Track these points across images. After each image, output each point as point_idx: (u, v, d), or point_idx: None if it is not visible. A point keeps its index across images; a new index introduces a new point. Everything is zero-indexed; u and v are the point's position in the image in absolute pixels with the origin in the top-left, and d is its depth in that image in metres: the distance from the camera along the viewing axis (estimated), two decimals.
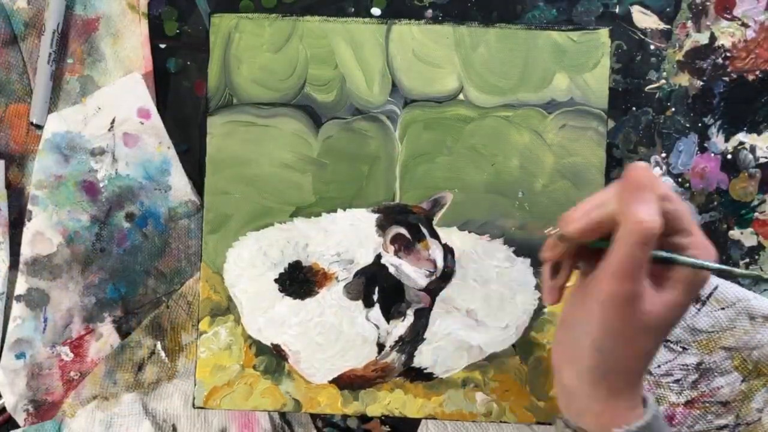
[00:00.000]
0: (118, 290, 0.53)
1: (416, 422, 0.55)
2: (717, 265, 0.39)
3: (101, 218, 0.53)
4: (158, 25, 0.55)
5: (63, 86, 0.54)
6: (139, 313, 0.55)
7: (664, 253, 0.40)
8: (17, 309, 0.54)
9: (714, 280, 0.54)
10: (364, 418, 0.55)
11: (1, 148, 0.54)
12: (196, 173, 0.55)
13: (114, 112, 0.54)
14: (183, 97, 0.55)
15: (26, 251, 0.54)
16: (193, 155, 0.55)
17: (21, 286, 0.54)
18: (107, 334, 0.54)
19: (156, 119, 0.54)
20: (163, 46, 0.55)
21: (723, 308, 0.54)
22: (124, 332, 0.54)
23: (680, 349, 0.54)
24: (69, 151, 0.54)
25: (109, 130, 0.54)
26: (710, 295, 0.54)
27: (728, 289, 0.54)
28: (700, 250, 0.40)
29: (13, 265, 0.54)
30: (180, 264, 0.54)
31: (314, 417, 0.55)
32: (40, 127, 0.54)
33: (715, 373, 0.54)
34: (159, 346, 0.54)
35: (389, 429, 0.56)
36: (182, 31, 0.55)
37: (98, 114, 0.54)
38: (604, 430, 0.41)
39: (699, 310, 0.54)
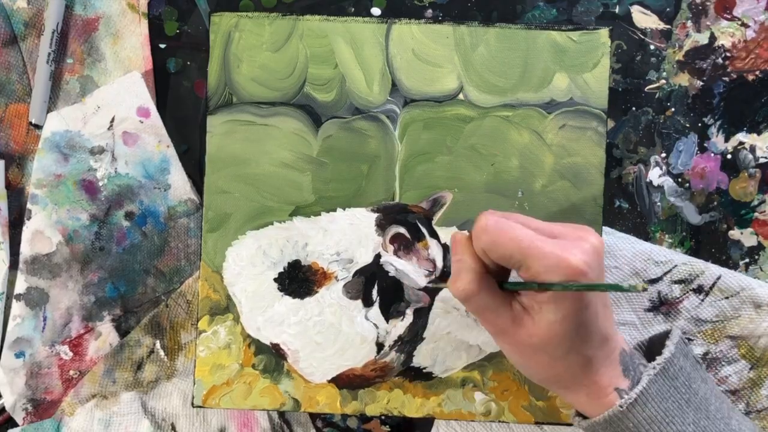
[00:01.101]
0: (118, 289, 0.53)
1: (418, 423, 0.55)
2: (560, 285, 0.40)
3: (101, 217, 0.53)
4: (158, 25, 0.55)
5: (63, 86, 0.54)
6: (139, 312, 0.55)
7: (511, 284, 0.44)
8: (17, 308, 0.54)
9: (717, 270, 0.53)
10: (364, 419, 0.55)
11: (1, 148, 0.54)
12: (196, 173, 0.55)
13: (113, 110, 0.54)
14: (183, 97, 0.55)
15: (26, 250, 0.54)
16: (193, 155, 0.55)
17: (20, 285, 0.54)
18: (106, 332, 0.54)
19: (155, 118, 0.54)
20: (163, 46, 0.55)
21: (727, 297, 0.53)
22: (123, 331, 0.54)
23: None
24: (68, 150, 0.54)
25: (109, 128, 0.54)
26: (713, 285, 0.53)
27: (732, 278, 0.53)
28: (551, 266, 0.40)
29: (13, 265, 0.54)
30: (179, 263, 0.54)
31: (314, 417, 0.55)
32: (39, 127, 0.54)
33: (723, 363, 0.54)
34: (158, 345, 0.55)
35: (389, 429, 0.56)
36: (182, 31, 0.55)
37: (98, 113, 0.54)
38: (602, 407, 0.43)
39: (702, 300, 0.53)
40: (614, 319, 0.46)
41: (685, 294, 0.54)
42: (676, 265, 0.54)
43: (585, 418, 0.45)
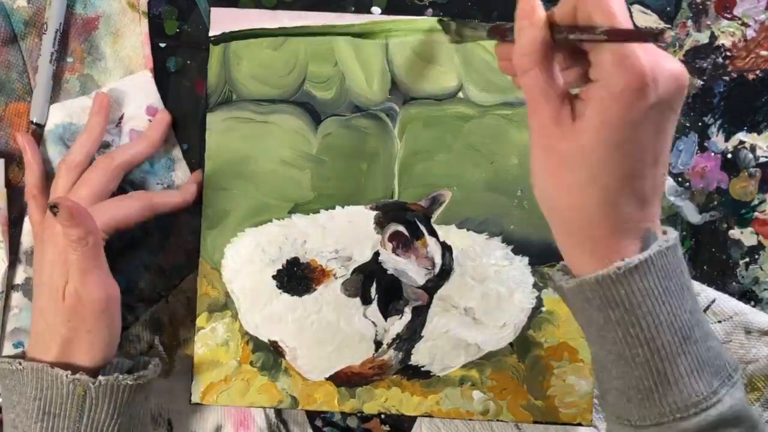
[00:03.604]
0: (118, 284, 0.52)
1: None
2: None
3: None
4: (158, 24, 0.55)
5: (63, 85, 0.55)
6: (138, 307, 0.55)
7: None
8: (15, 299, 0.54)
9: (712, 294, 0.54)
10: (364, 418, 0.55)
11: (1, 147, 0.55)
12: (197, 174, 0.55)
13: (123, 108, 0.54)
14: (183, 96, 0.55)
15: (26, 241, 0.54)
16: (194, 154, 0.55)
17: (19, 276, 0.54)
18: None
19: (162, 117, 0.54)
20: (163, 45, 0.55)
21: (720, 321, 0.54)
22: (122, 326, 0.54)
23: None
24: (72, 143, 0.54)
25: (117, 125, 0.54)
26: (708, 308, 0.54)
27: (725, 303, 0.54)
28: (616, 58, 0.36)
29: (13, 264, 0.54)
30: (179, 259, 0.54)
31: (313, 416, 0.55)
32: (41, 125, 0.54)
33: None
34: (157, 341, 0.55)
35: (389, 429, 0.55)
36: (182, 30, 0.55)
37: None
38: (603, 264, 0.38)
39: None
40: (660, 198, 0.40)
41: None
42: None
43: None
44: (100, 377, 0.45)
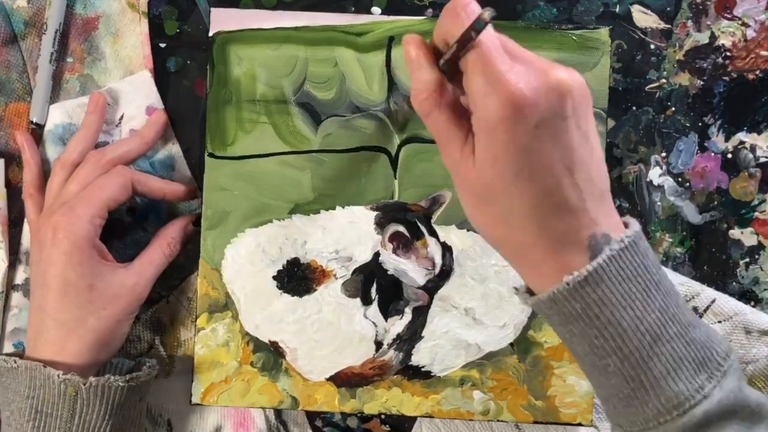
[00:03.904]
0: None
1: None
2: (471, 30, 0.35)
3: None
4: (158, 24, 0.55)
5: (63, 85, 0.55)
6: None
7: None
8: (15, 299, 0.54)
9: (712, 294, 0.54)
10: (364, 418, 0.55)
11: (1, 147, 0.55)
12: (196, 172, 0.55)
13: (123, 108, 0.54)
14: (183, 96, 0.55)
15: (26, 241, 0.54)
16: (193, 154, 0.55)
17: (19, 276, 0.54)
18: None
19: (159, 115, 0.54)
20: (163, 45, 0.55)
21: (720, 321, 0.54)
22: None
23: None
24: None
25: (117, 125, 0.54)
26: (707, 308, 0.54)
27: (725, 303, 0.54)
28: (491, 80, 0.35)
29: (13, 264, 0.54)
30: (180, 259, 0.54)
31: (313, 417, 0.55)
32: (40, 125, 0.54)
33: None
34: (158, 341, 0.55)
35: (389, 429, 0.55)
36: (182, 30, 0.55)
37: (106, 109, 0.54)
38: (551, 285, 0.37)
39: None
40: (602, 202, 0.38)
41: None
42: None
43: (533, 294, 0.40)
44: (92, 378, 0.45)
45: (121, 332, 0.50)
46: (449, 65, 0.39)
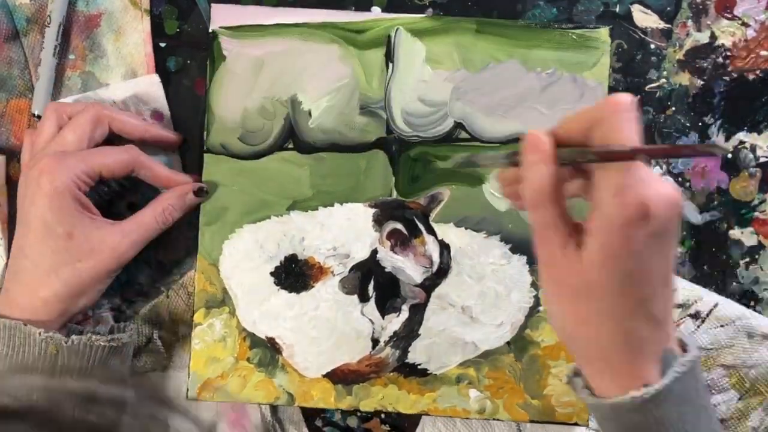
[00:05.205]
0: (118, 278, 0.53)
1: (416, 422, 0.55)
2: (620, 147, 0.35)
3: (103, 207, 0.53)
4: (158, 24, 0.55)
5: (64, 82, 0.55)
6: (137, 302, 0.55)
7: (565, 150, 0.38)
8: None
9: (715, 298, 0.53)
10: (364, 418, 0.55)
11: (2, 144, 0.55)
12: (196, 172, 0.55)
13: (128, 110, 0.54)
14: (183, 95, 0.55)
15: None
16: (193, 154, 0.55)
17: None
18: (105, 321, 0.54)
19: (167, 122, 0.55)
20: (163, 44, 0.55)
21: (722, 326, 0.53)
22: (122, 320, 0.54)
23: None
24: None
25: None
26: (710, 312, 0.53)
27: (728, 307, 0.53)
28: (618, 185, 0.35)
29: None
30: (179, 254, 0.55)
31: (313, 416, 0.55)
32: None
33: (713, 391, 0.53)
34: (156, 335, 0.55)
35: (389, 429, 0.55)
36: (182, 29, 0.55)
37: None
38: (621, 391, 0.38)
39: (698, 327, 0.53)
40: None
41: (682, 319, 0.53)
42: (675, 289, 0.54)
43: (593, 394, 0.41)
44: (73, 336, 0.46)
45: (94, 289, 0.49)
46: (571, 162, 0.39)
